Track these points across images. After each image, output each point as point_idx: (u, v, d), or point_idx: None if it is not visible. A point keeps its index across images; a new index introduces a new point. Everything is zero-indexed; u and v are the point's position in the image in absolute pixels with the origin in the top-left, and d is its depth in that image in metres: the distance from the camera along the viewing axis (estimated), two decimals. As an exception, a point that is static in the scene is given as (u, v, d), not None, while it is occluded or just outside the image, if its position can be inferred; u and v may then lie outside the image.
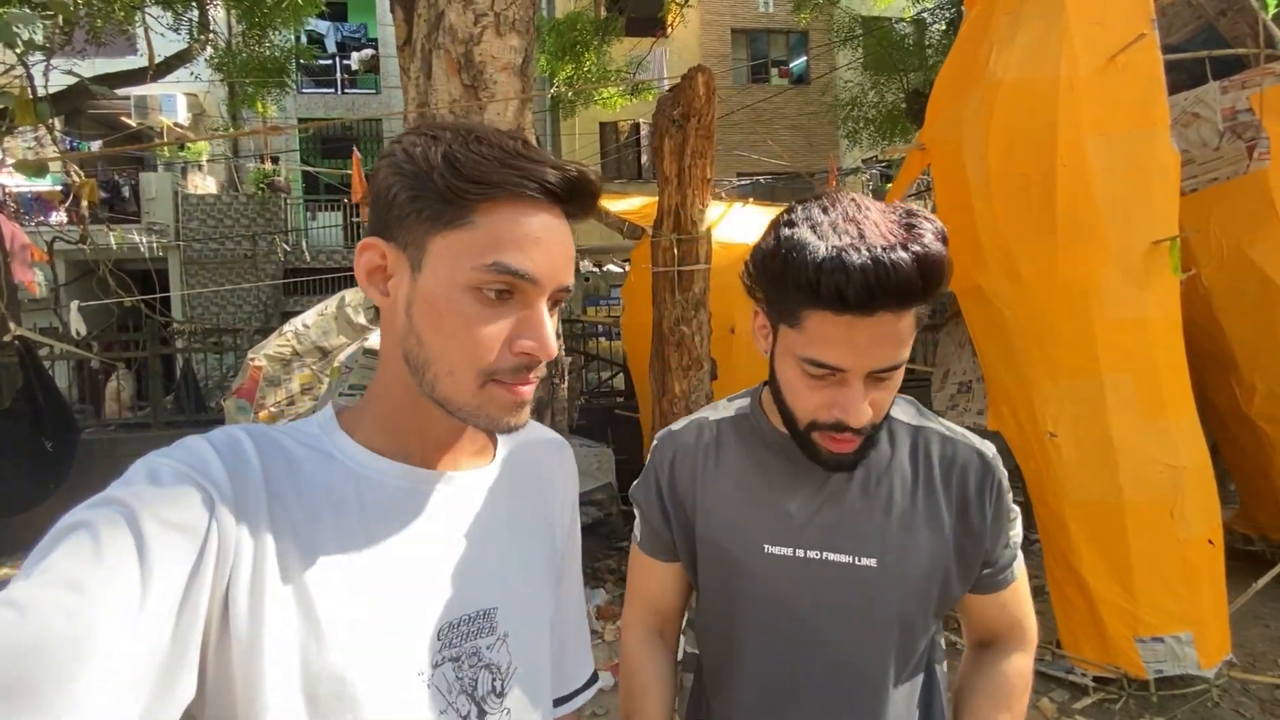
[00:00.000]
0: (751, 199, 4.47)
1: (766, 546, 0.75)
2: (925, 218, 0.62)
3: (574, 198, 0.52)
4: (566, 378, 3.86)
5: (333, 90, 12.42)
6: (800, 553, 0.74)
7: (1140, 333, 2.45)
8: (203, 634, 0.43)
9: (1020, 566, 0.80)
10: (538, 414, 2.89)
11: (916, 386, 5.56)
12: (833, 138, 12.94)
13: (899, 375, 0.66)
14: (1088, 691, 2.52)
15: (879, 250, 0.59)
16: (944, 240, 0.62)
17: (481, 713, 0.53)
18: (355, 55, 12.48)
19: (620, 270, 11.44)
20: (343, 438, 0.55)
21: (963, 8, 3.56)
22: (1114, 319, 2.45)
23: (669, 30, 11.99)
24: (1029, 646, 0.81)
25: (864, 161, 11.73)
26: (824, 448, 0.69)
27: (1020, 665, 0.79)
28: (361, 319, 4.25)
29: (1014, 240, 2.62)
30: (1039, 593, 3.33)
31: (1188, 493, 2.35)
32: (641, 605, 0.88)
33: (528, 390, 0.52)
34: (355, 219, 10.52)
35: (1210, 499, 2.42)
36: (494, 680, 0.54)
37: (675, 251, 3.10)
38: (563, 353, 3.14)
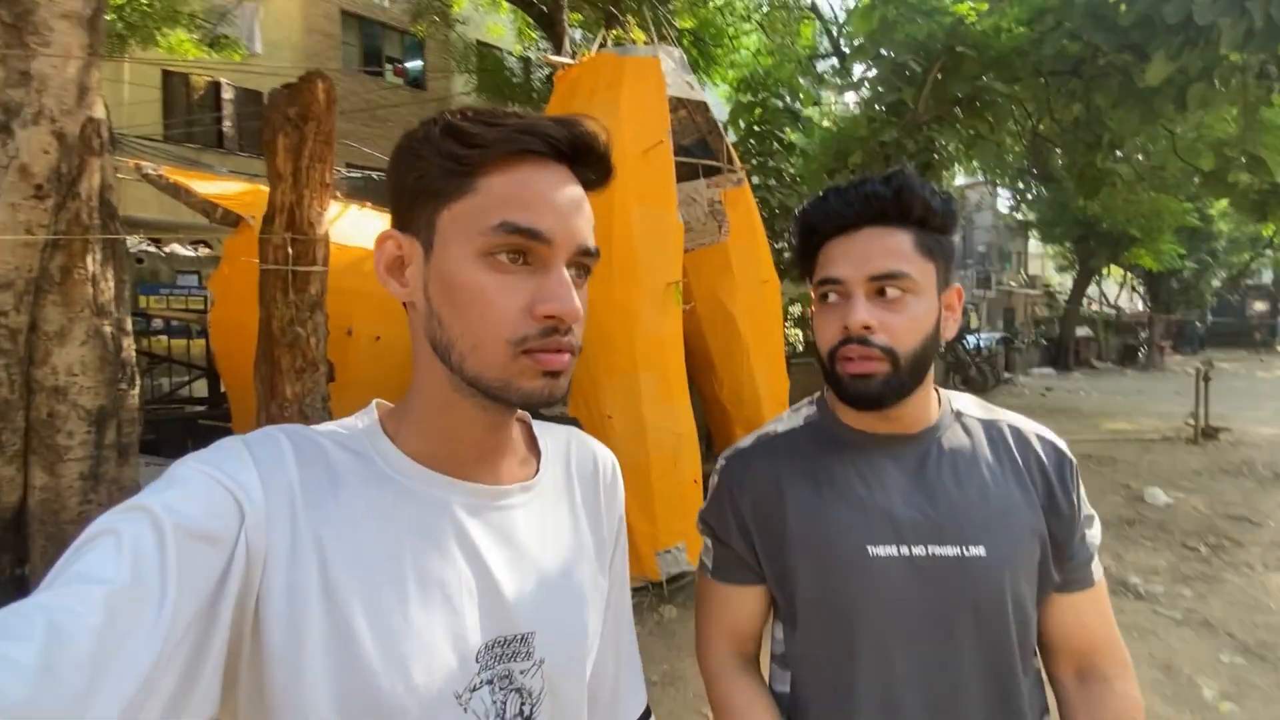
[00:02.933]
0: (369, 203, 4.51)
1: (870, 548, 0.70)
2: None
3: (582, 156, 0.51)
4: (137, 382, 3.24)
5: None
6: (905, 550, 0.70)
7: (660, 344, 3.57)
8: (229, 646, 0.42)
9: (1099, 572, 0.76)
10: (99, 427, 2.47)
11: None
12: (448, 148, 13.32)
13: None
14: (630, 599, 3.53)
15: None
16: None
17: None
18: None
19: (191, 254, 9.49)
20: (384, 443, 0.52)
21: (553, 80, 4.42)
22: (645, 334, 3.52)
23: (264, -12, 10.53)
24: (1129, 672, 0.74)
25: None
26: (845, 375, 0.71)
27: (1130, 695, 0.73)
28: None
29: (586, 272, 3.50)
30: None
31: (683, 450, 3.55)
32: (718, 631, 0.81)
33: (557, 360, 0.49)
34: None
35: (695, 453, 3.70)
36: (523, 705, 0.52)
37: (289, 250, 3.03)
38: (133, 353, 2.70)
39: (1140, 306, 23.53)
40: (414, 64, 13.99)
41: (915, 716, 0.70)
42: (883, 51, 6.07)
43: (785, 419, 0.83)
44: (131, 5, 7.25)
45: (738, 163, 4.73)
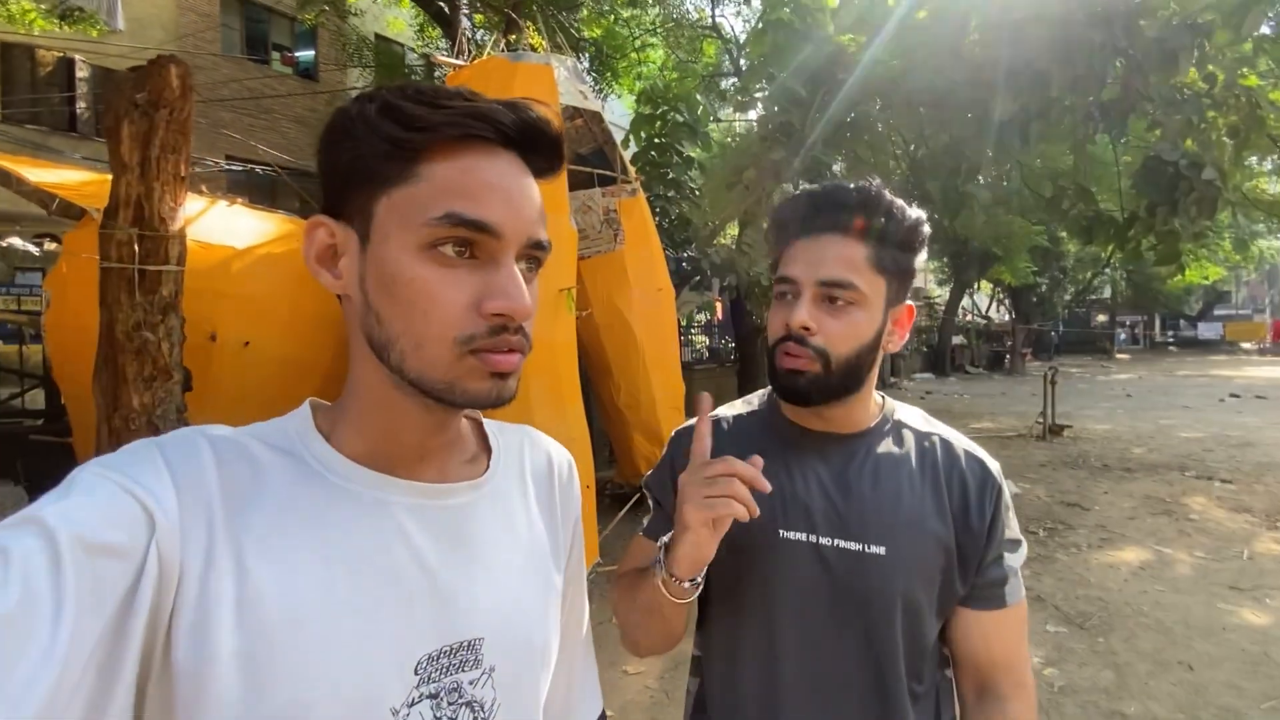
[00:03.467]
0: (243, 200, 4.21)
1: (782, 531, 0.75)
2: None
3: (533, 144, 0.49)
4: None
5: None
6: (814, 538, 0.75)
7: (551, 350, 3.58)
8: (139, 668, 0.38)
9: (1015, 596, 0.78)
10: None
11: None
12: (343, 145, 12.67)
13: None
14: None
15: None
16: None
17: None
18: None
19: (32, 250, 8.43)
20: (317, 442, 0.49)
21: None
22: (537, 339, 3.43)
23: (127, -41, 9.58)
24: (1026, 694, 0.76)
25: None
26: (781, 369, 0.76)
27: (1019, 718, 0.75)
28: None
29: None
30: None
31: (575, 455, 3.56)
32: (629, 561, 0.86)
33: (507, 360, 0.47)
34: None
35: (588, 458, 3.73)
36: (475, 719, 0.49)
37: (136, 248, 2.77)
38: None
39: (1006, 317, 26.08)
40: (305, 53, 13.20)
41: (795, 691, 0.75)
42: (773, 73, 6.42)
43: (739, 405, 0.89)
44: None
45: (633, 173, 4.83)
